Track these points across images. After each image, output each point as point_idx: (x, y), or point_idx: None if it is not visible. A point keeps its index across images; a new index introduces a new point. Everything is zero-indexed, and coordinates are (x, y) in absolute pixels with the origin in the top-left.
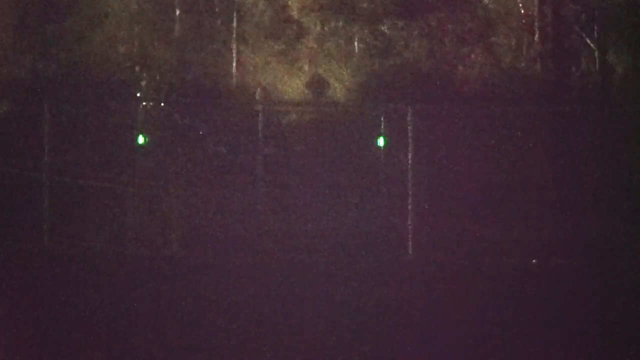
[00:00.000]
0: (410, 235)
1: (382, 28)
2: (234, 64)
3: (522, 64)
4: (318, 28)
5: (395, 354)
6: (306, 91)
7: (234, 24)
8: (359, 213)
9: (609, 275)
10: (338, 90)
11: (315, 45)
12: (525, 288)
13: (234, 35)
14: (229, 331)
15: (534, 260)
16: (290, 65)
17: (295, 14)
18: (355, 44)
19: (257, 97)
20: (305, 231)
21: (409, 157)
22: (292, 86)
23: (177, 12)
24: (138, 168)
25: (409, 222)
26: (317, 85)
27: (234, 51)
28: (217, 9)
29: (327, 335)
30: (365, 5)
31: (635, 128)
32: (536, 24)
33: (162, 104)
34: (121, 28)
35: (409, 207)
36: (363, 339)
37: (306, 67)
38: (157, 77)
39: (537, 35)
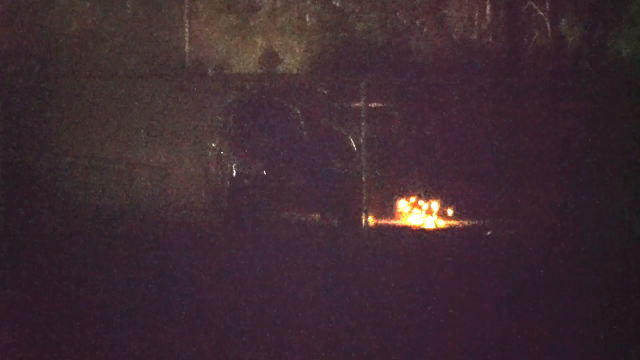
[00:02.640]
0: (364, 209)
1: (334, 2)
2: (187, 40)
3: (474, 36)
4: (270, 2)
5: (349, 320)
6: (259, 65)
7: None
8: (313, 187)
9: (568, 238)
10: (291, 64)
11: (267, 20)
12: (482, 253)
13: (186, 11)
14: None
15: (488, 232)
16: (243, 39)
17: None
18: (308, 17)
19: (210, 73)
20: (260, 200)
21: (362, 129)
22: (245, 60)
23: None
24: (92, 144)
25: (363, 194)
26: (270, 59)
27: (187, 26)
28: None
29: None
30: None
31: (586, 97)
32: None
33: (118, 80)
34: (74, 3)
35: (363, 180)
36: (316, 303)
37: (259, 42)
38: (111, 53)
39: (488, 7)
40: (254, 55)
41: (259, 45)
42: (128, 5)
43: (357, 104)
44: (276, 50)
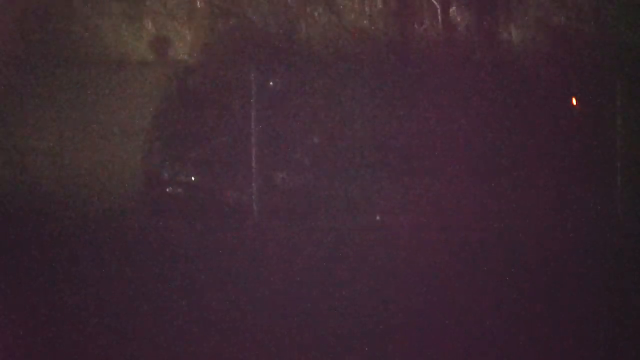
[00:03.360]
0: (253, 198)
1: None
2: (82, 27)
3: (365, 22)
4: None
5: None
6: (149, 51)
7: None
8: (202, 178)
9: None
10: (181, 50)
11: (157, 5)
12: (389, 244)
13: None
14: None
15: (377, 217)
16: (132, 25)
17: None
18: (198, 3)
19: (101, 58)
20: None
21: (252, 116)
22: (135, 46)
23: None
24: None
25: (253, 186)
26: (160, 45)
27: (77, 12)
28: None
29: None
30: None
31: (476, 84)
32: None
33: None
34: None
35: (253, 170)
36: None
37: (149, 27)
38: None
39: None
40: (143, 42)
41: (148, 31)
42: None
43: (247, 90)
44: (167, 36)
